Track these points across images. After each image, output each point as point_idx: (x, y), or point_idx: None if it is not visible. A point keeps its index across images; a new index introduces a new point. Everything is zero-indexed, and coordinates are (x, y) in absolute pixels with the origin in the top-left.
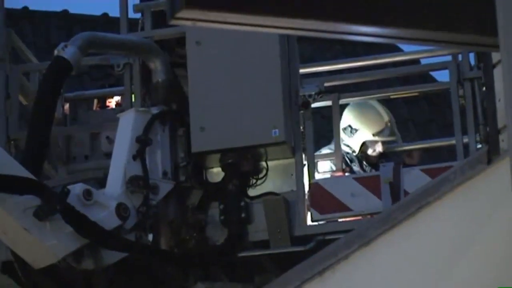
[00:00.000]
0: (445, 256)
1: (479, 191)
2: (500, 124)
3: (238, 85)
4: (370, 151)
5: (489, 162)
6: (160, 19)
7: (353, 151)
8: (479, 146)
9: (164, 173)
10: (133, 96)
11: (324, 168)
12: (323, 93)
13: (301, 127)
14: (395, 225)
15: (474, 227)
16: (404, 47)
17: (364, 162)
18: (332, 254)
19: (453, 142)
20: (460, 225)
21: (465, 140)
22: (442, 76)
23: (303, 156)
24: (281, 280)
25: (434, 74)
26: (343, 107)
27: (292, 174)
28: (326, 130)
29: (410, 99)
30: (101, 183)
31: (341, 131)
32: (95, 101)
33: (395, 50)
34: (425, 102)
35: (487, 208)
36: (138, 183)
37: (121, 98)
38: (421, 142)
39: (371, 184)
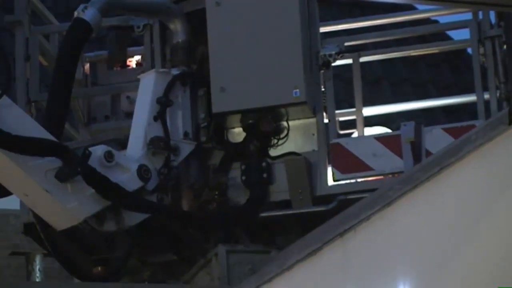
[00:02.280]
0: (467, 217)
1: (501, 152)
2: None
3: (258, 45)
4: None
5: (511, 122)
6: None
7: None
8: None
9: (185, 134)
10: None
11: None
12: (343, 53)
13: (322, 87)
14: (417, 186)
15: (496, 188)
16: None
17: None
18: (353, 215)
19: (474, 98)
20: (482, 186)
21: (486, 96)
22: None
23: (324, 115)
24: (302, 241)
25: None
26: (363, 66)
27: (313, 134)
28: (345, 93)
29: (432, 62)
30: (122, 144)
31: None
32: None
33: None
34: (446, 65)
35: (509, 169)
36: (159, 144)
37: (141, 58)
38: (442, 98)
39: (392, 144)
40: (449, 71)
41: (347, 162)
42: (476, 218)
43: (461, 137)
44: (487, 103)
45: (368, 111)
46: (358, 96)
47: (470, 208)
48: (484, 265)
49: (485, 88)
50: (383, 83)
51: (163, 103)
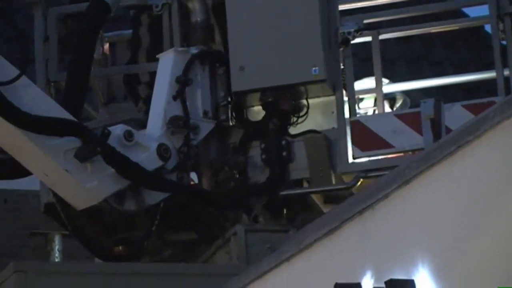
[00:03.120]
0: (484, 196)
1: None
2: None
3: (277, 23)
4: None
5: None
6: None
7: None
8: None
9: (205, 113)
10: None
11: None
12: (362, 30)
13: (341, 65)
14: (435, 164)
15: None
16: None
17: None
18: (372, 194)
19: (493, 75)
20: (500, 165)
21: (505, 73)
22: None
23: (344, 93)
24: (321, 220)
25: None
26: (382, 44)
27: (333, 112)
28: (362, 72)
29: (448, 41)
30: (141, 124)
31: None
32: None
33: None
34: (462, 43)
35: None
36: (178, 123)
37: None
38: (461, 75)
39: (412, 121)
40: (465, 49)
41: (367, 140)
42: (493, 197)
43: (479, 115)
44: (506, 79)
45: (387, 88)
46: (377, 73)
47: (487, 187)
48: (502, 244)
49: (505, 65)
50: (399, 61)
51: (182, 82)
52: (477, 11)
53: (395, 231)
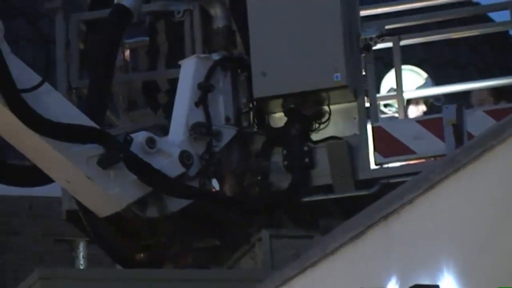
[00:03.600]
0: (510, 199)
1: None
2: None
3: (298, 29)
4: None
5: None
6: None
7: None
8: None
9: (227, 119)
10: None
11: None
12: (384, 36)
13: (363, 71)
14: (459, 168)
15: None
16: None
17: None
18: (396, 199)
19: None
20: None
21: None
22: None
23: (366, 99)
24: (345, 225)
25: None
26: (404, 49)
27: (355, 118)
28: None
29: (473, 44)
30: (164, 130)
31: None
32: None
33: None
34: (487, 47)
35: None
36: (201, 130)
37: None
38: (483, 80)
39: (434, 127)
40: (490, 52)
41: (389, 146)
42: None
43: (503, 119)
44: None
45: (409, 94)
46: (399, 79)
47: None
48: None
49: None
50: (425, 65)
51: (204, 88)
52: (502, 14)
53: (419, 236)
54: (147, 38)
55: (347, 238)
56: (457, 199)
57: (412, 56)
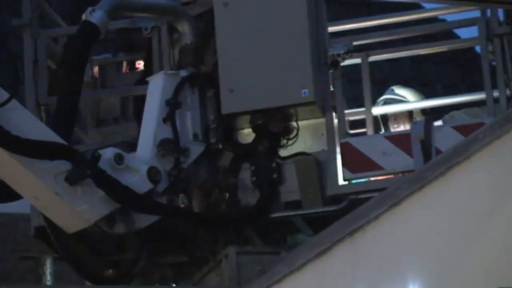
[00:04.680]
0: (475, 216)
1: (508, 150)
2: None
3: (266, 46)
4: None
5: None
6: None
7: None
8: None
9: (195, 136)
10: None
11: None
12: (352, 52)
13: (331, 87)
14: (425, 185)
15: (504, 187)
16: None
17: None
18: (362, 215)
19: (483, 96)
20: (490, 185)
21: (495, 94)
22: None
23: (334, 115)
24: (312, 241)
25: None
26: (371, 66)
27: (323, 134)
28: (352, 93)
29: (439, 61)
30: (132, 146)
31: None
32: (124, 63)
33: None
34: (453, 64)
35: None
36: (168, 146)
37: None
38: (450, 97)
39: (402, 142)
40: (456, 69)
41: (357, 161)
42: (483, 218)
43: (468, 136)
44: (496, 101)
45: (377, 110)
46: (367, 95)
47: (477, 207)
48: (492, 264)
49: (494, 86)
50: (390, 82)
51: (172, 105)
52: (467, 31)
53: (385, 252)
54: (115, 55)
55: (314, 254)
56: (423, 215)
57: (378, 73)
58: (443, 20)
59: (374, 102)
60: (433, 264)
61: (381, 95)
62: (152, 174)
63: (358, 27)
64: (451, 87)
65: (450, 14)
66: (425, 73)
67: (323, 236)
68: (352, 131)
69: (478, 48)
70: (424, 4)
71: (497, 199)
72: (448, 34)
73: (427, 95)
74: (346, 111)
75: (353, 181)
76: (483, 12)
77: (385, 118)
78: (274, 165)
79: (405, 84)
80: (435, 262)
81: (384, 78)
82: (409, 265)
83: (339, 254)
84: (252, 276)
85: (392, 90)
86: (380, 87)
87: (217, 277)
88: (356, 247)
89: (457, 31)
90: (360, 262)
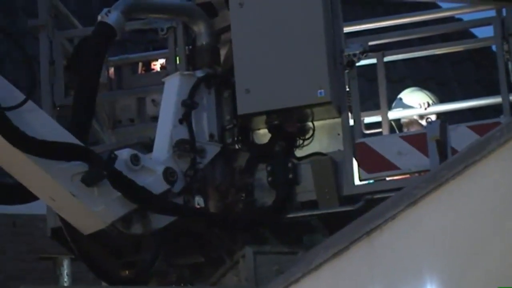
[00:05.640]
0: (492, 214)
1: None
2: None
3: (282, 46)
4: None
5: None
6: None
7: None
8: None
9: (211, 136)
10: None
11: None
12: (367, 52)
13: (347, 87)
14: (442, 184)
15: None
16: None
17: None
18: (379, 215)
19: (499, 100)
20: (507, 183)
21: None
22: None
23: (350, 115)
24: (329, 241)
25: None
26: (387, 66)
27: (338, 134)
28: (370, 92)
29: (456, 60)
30: (148, 147)
31: None
32: (140, 64)
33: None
34: (470, 63)
35: None
36: (185, 146)
37: (166, 60)
38: (466, 100)
39: (418, 142)
40: (474, 68)
41: (373, 162)
42: (501, 216)
43: (485, 135)
44: None
45: (393, 114)
46: (382, 96)
47: (495, 206)
48: (510, 263)
49: (510, 85)
50: (407, 81)
51: (188, 106)
52: (484, 30)
53: (403, 251)
54: (131, 56)
55: (331, 254)
56: (440, 214)
57: (395, 73)
58: (459, 20)
59: (390, 102)
60: (450, 263)
61: (398, 94)
62: (168, 174)
63: (374, 27)
64: (467, 86)
65: (466, 14)
66: (442, 72)
67: (340, 236)
68: (367, 131)
69: (494, 47)
70: (441, 3)
71: None
72: (464, 34)
73: (443, 94)
74: (362, 112)
75: (366, 181)
76: (499, 12)
77: (399, 125)
78: (290, 165)
79: (422, 83)
80: (453, 261)
81: (401, 77)
82: (426, 264)
83: (356, 253)
84: (270, 276)
85: (400, 99)
86: (397, 86)
87: (234, 278)
88: (373, 246)
89: (474, 30)
90: (377, 262)
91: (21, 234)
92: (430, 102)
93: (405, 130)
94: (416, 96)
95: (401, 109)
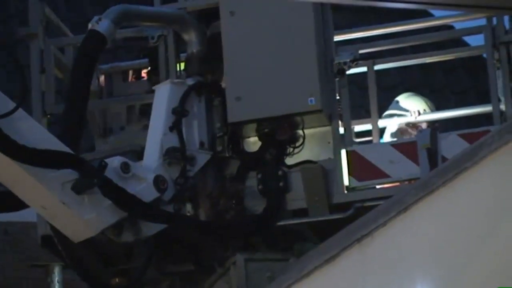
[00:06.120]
0: (483, 221)
1: None
2: None
3: (273, 54)
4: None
5: None
6: None
7: None
8: None
9: (201, 144)
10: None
11: None
12: (358, 60)
13: (337, 95)
14: (433, 191)
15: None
16: (436, 13)
17: None
18: (370, 221)
19: (490, 109)
20: (498, 190)
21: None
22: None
23: (340, 123)
24: (320, 248)
25: (469, 41)
26: (379, 73)
27: (329, 142)
28: (362, 99)
29: (448, 68)
30: (138, 155)
31: None
32: (130, 72)
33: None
34: (463, 70)
35: None
36: (175, 154)
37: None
38: (457, 109)
39: (408, 150)
40: (466, 75)
41: (364, 170)
42: (492, 223)
43: (477, 142)
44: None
45: (384, 122)
46: (373, 104)
47: (485, 213)
48: (501, 270)
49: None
50: (399, 89)
51: (179, 113)
52: (478, 39)
53: (394, 257)
54: (121, 64)
55: (322, 261)
56: (430, 221)
57: (387, 80)
58: (451, 27)
59: (382, 109)
60: (440, 270)
61: (390, 102)
62: (159, 182)
63: (364, 35)
64: (460, 93)
65: (458, 22)
66: (434, 80)
67: (332, 243)
68: (358, 140)
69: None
70: (433, 11)
71: (505, 205)
72: (456, 41)
73: (436, 102)
74: (352, 121)
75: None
76: (489, 20)
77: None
78: (280, 173)
79: (414, 90)
80: (443, 268)
81: (393, 85)
82: (416, 271)
83: (348, 260)
84: (261, 283)
85: (397, 102)
86: (388, 93)
87: (225, 285)
88: (365, 253)
89: (466, 38)
90: (368, 268)
91: (13, 242)
92: (427, 108)
93: (399, 134)
94: (413, 101)
95: (395, 111)
